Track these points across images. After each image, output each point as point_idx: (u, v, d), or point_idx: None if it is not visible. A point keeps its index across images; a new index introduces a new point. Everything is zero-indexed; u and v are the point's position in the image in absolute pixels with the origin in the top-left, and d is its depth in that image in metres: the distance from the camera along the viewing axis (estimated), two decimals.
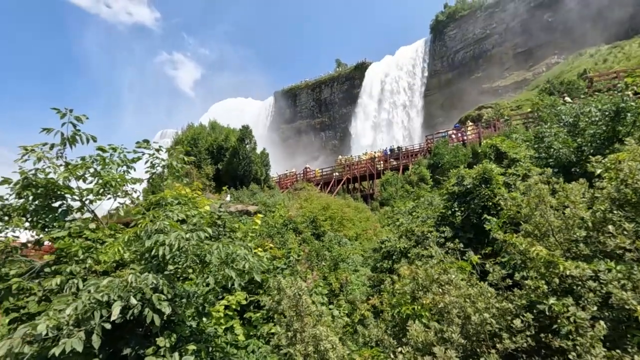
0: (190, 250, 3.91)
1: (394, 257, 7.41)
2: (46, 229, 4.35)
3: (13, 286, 4.06)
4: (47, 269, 4.39)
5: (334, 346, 3.17)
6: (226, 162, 21.43)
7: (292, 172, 34.58)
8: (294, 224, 11.16)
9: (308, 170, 34.10)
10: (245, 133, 20.91)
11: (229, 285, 4.20)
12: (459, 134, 24.31)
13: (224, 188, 13.88)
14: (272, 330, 5.52)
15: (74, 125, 4.36)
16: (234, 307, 5.79)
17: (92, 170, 4.59)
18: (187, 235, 3.74)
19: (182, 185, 6.12)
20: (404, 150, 29.90)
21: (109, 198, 4.77)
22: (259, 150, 22.66)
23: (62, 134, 4.28)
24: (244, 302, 6.04)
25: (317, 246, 10.40)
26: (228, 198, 14.76)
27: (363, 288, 7.99)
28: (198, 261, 3.97)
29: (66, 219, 4.41)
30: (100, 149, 4.60)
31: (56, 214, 4.43)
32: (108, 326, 3.07)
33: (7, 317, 4.43)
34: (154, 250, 3.74)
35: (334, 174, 31.01)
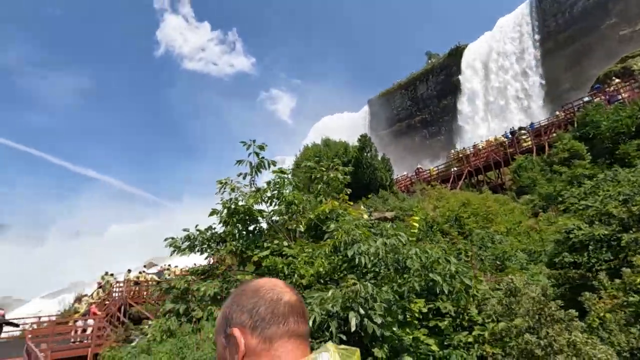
0: (389, 257, 3.79)
1: (589, 247, 6.13)
2: (247, 251, 4.85)
3: None
4: None
5: (608, 356, 2.56)
6: (350, 173, 21.78)
7: (403, 176, 33.51)
8: (438, 224, 10.48)
9: (421, 170, 32.60)
10: (364, 142, 21.25)
11: (437, 291, 3.93)
12: (611, 96, 19.97)
13: (363, 199, 14.12)
14: (468, 340, 5.01)
15: (257, 154, 4.83)
16: (416, 315, 5.50)
17: (274, 192, 4.99)
18: (389, 242, 3.64)
19: (331, 199, 6.23)
20: (535, 127, 26.08)
21: (291, 216, 5.09)
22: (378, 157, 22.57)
23: (251, 163, 4.77)
24: (424, 310, 5.70)
25: (467, 246, 9.51)
26: (362, 207, 14.97)
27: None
28: (399, 267, 3.84)
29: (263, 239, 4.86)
30: (280, 171, 4.98)
31: (252, 236, 4.91)
32: (344, 337, 3.11)
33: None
34: (356, 260, 3.74)
35: (452, 169, 28.84)
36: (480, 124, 53.56)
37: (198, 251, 4.97)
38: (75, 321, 15.39)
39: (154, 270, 27.59)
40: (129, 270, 23.79)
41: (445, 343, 5.43)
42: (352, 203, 6.65)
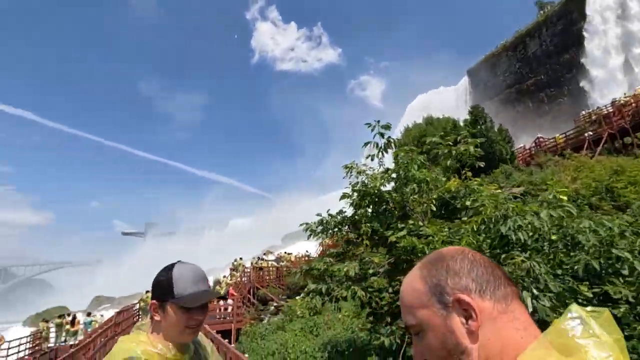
0: (552, 232, 3.30)
1: None
2: (381, 232, 4.85)
3: (373, 285, 4.61)
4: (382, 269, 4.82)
5: None
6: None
7: (520, 148, 29.59)
8: (584, 198, 8.91)
9: (542, 139, 28.32)
10: (476, 113, 19.39)
11: (614, 271, 3.30)
12: None
13: (482, 176, 12.86)
14: None
15: (382, 135, 4.75)
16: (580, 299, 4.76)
17: (402, 172, 4.85)
18: (555, 213, 3.17)
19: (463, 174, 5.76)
20: None
21: (421, 195, 4.89)
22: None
23: (377, 144, 4.74)
24: (590, 296, 4.89)
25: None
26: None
27: None
28: (567, 243, 3.33)
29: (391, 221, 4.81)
30: (406, 150, 4.83)
31: (384, 217, 4.88)
32: None
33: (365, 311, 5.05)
34: (512, 236, 3.36)
35: (586, 134, 24.27)
36: (615, 79, 43.81)
37: (330, 234, 5.18)
38: (218, 301, 18.00)
39: (272, 257, 30.36)
40: (259, 258, 26.70)
41: (626, 334, 4.57)
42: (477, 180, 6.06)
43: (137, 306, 17.59)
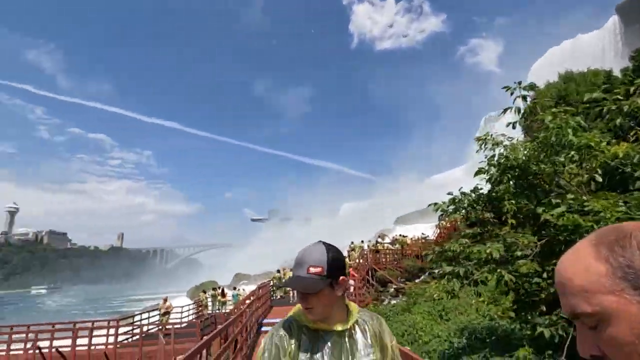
0: None
1: None
2: (531, 209, 4.27)
3: (521, 269, 4.11)
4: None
5: None
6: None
7: None
8: None
9: None
10: None
11: None
12: None
13: None
14: None
15: (524, 98, 4.12)
16: None
17: (551, 139, 4.13)
18: None
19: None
20: None
21: (580, 164, 4.10)
22: None
23: (519, 109, 4.14)
24: None
25: None
26: None
27: None
28: None
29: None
30: (555, 112, 4.07)
31: (531, 192, 4.27)
32: None
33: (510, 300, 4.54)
34: None
35: None
36: None
37: (464, 213, 4.81)
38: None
39: (387, 240, 30.33)
40: (377, 241, 27.15)
41: None
42: None
43: (271, 282, 19.88)
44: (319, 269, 1.21)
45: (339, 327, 1.27)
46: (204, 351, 4.19)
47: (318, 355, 1.24)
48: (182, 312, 19.49)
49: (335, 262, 1.25)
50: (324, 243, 1.30)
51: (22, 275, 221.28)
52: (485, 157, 4.47)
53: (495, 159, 4.34)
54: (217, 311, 20.07)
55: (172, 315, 18.44)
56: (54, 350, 12.32)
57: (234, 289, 22.90)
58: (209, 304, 21.73)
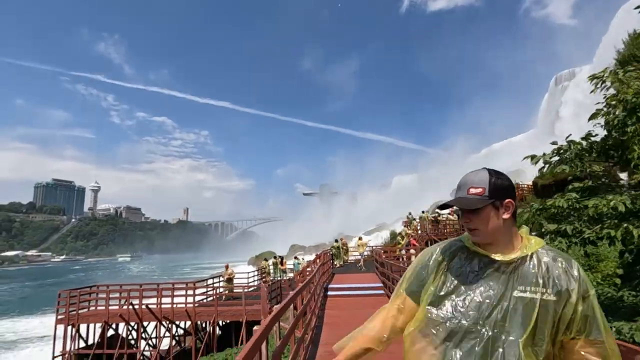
0: None
1: None
2: None
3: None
4: None
5: None
6: None
7: None
8: None
9: None
10: None
11: None
12: None
13: None
14: None
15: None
16: None
17: None
18: None
19: None
20: None
21: None
22: None
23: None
24: None
25: None
26: None
27: None
28: None
29: None
30: None
31: None
32: None
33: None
34: None
35: None
36: None
37: (570, 165, 4.20)
38: (400, 250, 18.74)
39: (446, 211, 29.18)
40: (437, 213, 26.31)
41: None
42: None
43: (331, 252, 20.21)
44: (479, 190, 1.15)
45: (501, 257, 1.15)
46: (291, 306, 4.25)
47: (466, 279, 1.16)
48: (247, 278, 20.76)
49: (499, 183, 1.16)
50: (488, 169, 1.20)
51: (108, 245, 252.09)
52: (604, 98, 3.79)
53: (624, 96, 3.64)
54: (279, 278, 21.02)
55: (238, 281, 19.77)
56: (143, 306, 13.83)
57: (295, 258, 23.74)
58: (271, 271, 22.86)
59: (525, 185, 27.75)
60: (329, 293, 11.55)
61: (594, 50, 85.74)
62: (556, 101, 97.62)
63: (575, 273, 1.11)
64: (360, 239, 22.21)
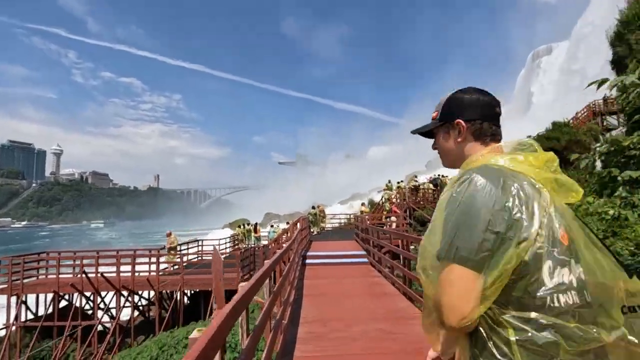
0: None
1: None
2: None
3: None
4: None
5: None
6: None
7: None
8: None
9: None
10: None
11: None
12: None
13: None
14: None
15: None
16: None
17: None
18: None
19: None
20: None
21: None
22: None
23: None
24: None
25: None
26: None
27: None
28: None
29: None
30: None
31: None
32: None
33: None
34: None
35: None
36: None
37: None
38: (387, 217, 18.13)
39: (425, 179, 28.83)
40: (416, 181, 25.86)
41: None
42: None
43: (309, 219, 19.24)
44: (435, 112, 1.09)
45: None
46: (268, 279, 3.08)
47: None
48: (219, 245, 19.55)
49: (454, 103, 1.04)
50: (463, 88, 1.06)
51: (74, 211, 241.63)
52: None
53: None
54: (253, 245, 20.01)
55: (207, 248, 18.49)
56: (99, 274, 12.38)
57: (271, 226, 22.72)
58: (245, 238, 21.83)
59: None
60: (308, 261, 10.56)
61: (570, 29, 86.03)
62: (532, 77, 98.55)
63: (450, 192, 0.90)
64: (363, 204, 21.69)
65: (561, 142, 23.84)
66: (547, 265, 0.78)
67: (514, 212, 0.79)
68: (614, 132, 24.55)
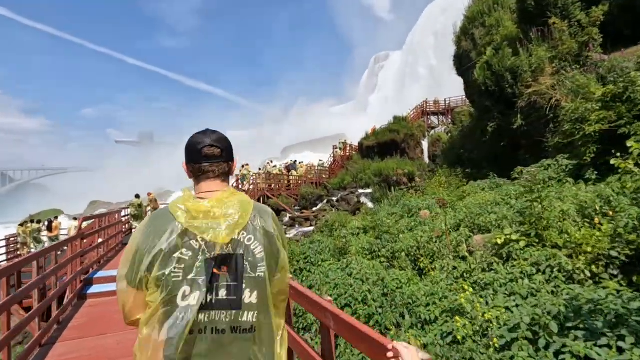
0: None
1: None
2: None
3: None
4: None
5: None
6: None
7: None
8: None
9: None
10: None
11: None
12: None
13: None
14: None
15: None
16: None
17: None
18: None
19: None
20: None
21: None
22: None
23: None
24: None
25: None
26: None
27: None
28: None
29: None
30: None
31: None
32: None
33: None
34: None
35: None
36: None
37: None
38: None
39: (280, 164, 27.37)
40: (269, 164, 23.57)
41: None
42: None
43: (129, 211, 14.44)
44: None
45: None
46: None
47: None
48: None
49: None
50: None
51: None
52: None
53: None
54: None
55: None
56: None
57: (75, 219, 16.63)
58: (32, 241, 15.34)
59: (355, 145, 28.73)
60: (93, 290, 6.57)
61: (404, 39, 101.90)
62: (374, 78, 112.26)
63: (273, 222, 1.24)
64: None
65: (400, 134, 26.24)
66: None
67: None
68: (436, 130, 28.91)
